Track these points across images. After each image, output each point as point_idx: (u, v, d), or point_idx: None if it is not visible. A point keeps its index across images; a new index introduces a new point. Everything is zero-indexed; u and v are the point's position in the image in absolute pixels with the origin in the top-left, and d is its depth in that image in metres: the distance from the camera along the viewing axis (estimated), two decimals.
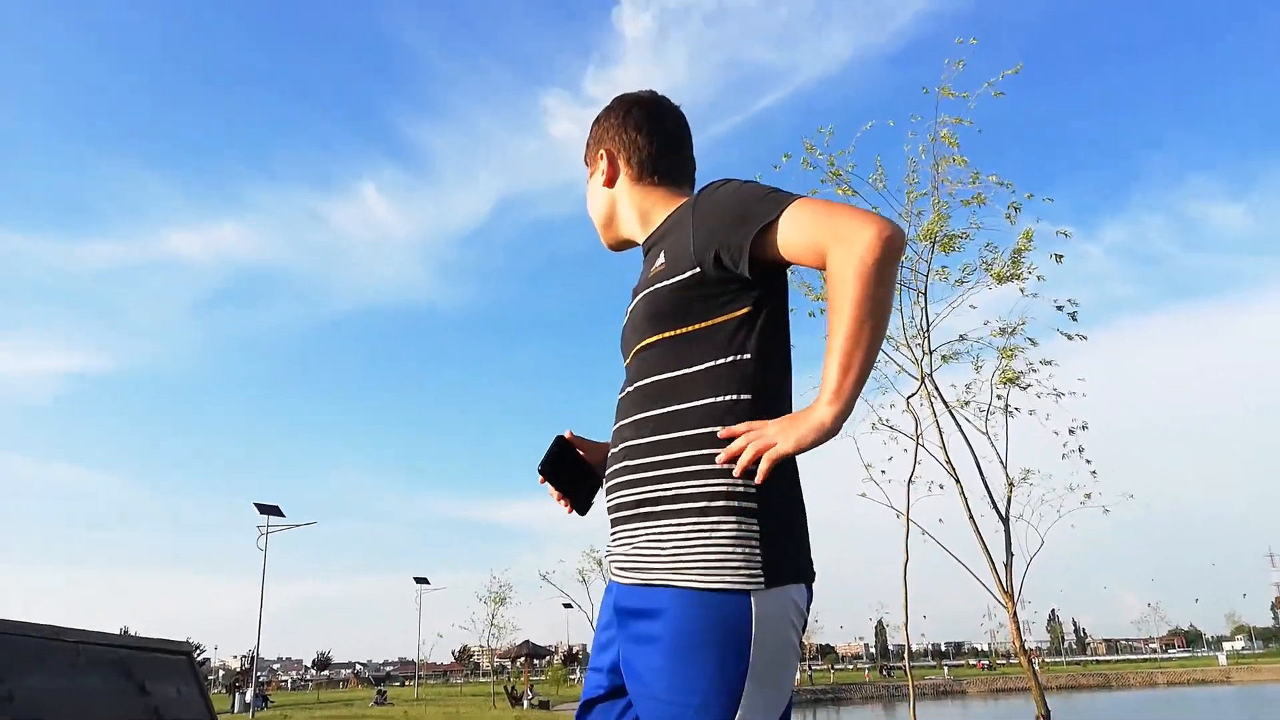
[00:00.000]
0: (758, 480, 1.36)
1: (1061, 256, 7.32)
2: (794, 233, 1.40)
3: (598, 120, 1.76)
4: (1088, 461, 7.52)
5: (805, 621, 1.41)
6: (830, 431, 1.35)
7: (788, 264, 1.47)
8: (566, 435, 1.72)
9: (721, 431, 1.41)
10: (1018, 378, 7.31)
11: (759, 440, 1.37)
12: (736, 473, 1.37)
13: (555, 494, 1.70)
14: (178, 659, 1.66)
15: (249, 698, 33.71)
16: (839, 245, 1.35)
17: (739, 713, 1.29)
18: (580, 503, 1.71)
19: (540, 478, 1.66)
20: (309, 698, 53.87)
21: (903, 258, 1.41)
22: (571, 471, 1.69)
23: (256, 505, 37.20)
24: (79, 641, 1.24)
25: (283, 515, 37.91)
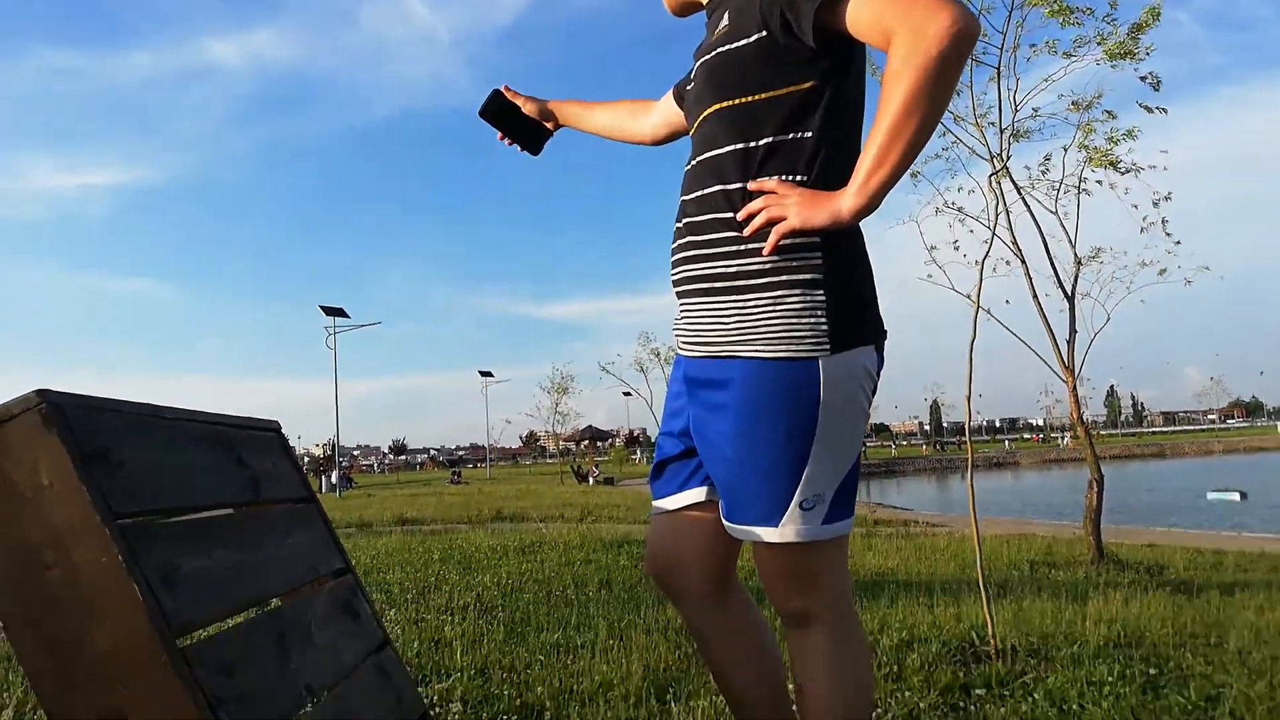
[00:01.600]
0: (765, 252, 1.37)
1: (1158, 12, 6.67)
2: (864, 6, 1.30)
3: None
4: (1169, 234, 7.27)
5: (875, 384, 1.45)
6: (844, 223, 1.34)
7: (854, 40, 1.38)
8: (502, 88, 1.89)
9: (752, 184, 1.40)
10: (1110, 155, 6.91)
11: (774, 208, 1.36)
12: (747, 232, 1.39)
13: (501, 136, 1.92)
14: (269, 435, 1.77)
15: (334, 479, 36.31)
16: (905, 29, 1.25)
17: (806, 471, 1.35)
18: (530, 144, 1.93)
19: (484, 122, 1.89)
20: (389, 479, 57.88)
21: (972, 52, 1.30)
22: (514, 119, 1.90)
23: (322, 308, 38.47)
24: (177, 419, 1.33)
25: (348, 316, 39.23)
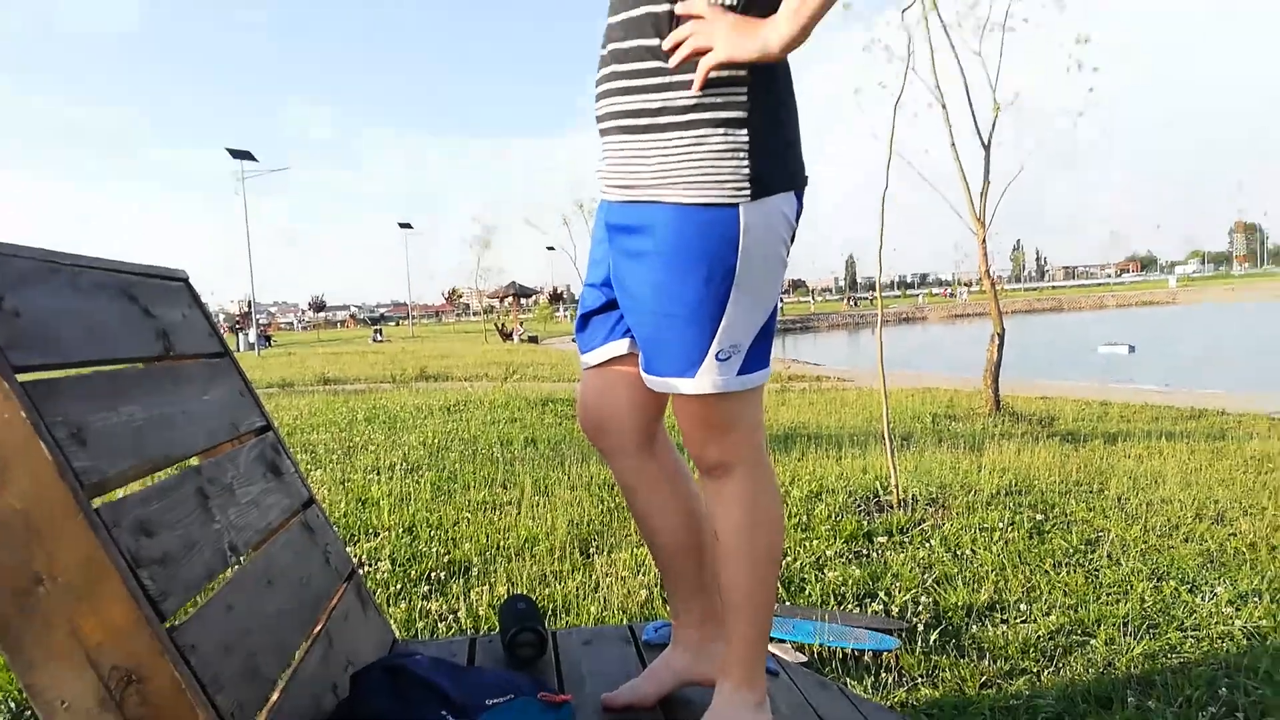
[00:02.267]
0: (695, 89, 1.30)
1: None
2: None
3: None
4: (1095, 69, 7.34)
5: (794, 231, 1.44)
6: (774, 56, 1.28)
7: None
8: None
9: (679, 7, 1.31)
10: None
11: (700, 38, 1.28)
12: (672, 63, 1.31)
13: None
14: (176, 285, 1.70)
15: (251, 338, 35.48)
16: None
17: (723, 320, 1.36)
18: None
19: None
20: (309, 337, 56.86)
21: None
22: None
23: (229, 150, 36.48)
24: (75, 265, 1.26)
25: (255, 160, 37.32)
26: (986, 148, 7.63)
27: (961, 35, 7.37)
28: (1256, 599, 2.88)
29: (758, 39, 1.27)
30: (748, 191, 1.33)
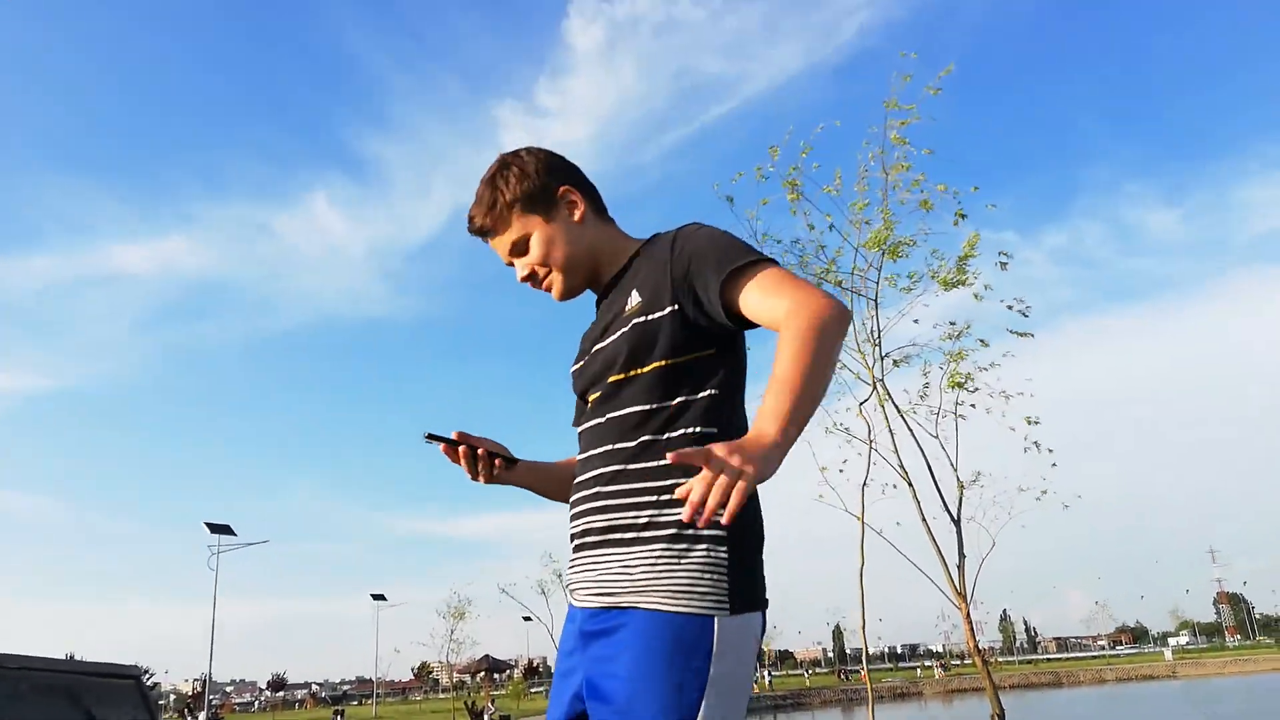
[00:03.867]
0: (725, 520, 1.20)
1: (1007, 262, 7.51)
2: (758, 292, 1.44)
3: (521, 171, 1.64)
4: (1050, 450, 7.70)
5: (759, 648, 1.47)
6: (778, 463, 1.25)
7: (745, 320, 1.48)
8: (454, 435, 1.69)
9: (671, 456, 1.24)
10: (965, 381, 7.49)
11: (727, 475, 1.19)
12: (706, 515, 1.20)
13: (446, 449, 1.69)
14: (126, 683, 1.63)
15: None
16: (798, 306, 1.37)
17: None
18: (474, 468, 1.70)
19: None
20: (263, 717, 52.68)
21: (847, 331, 1.45)
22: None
23: (207, 525, 36.52)
24: (21, 668, 1.21)
25: (234, 534, 37.28)
26: (957, 523, 7.82)
27: (917, 420, 7.88)
28: None
29: (772, 454, 1.24)
30: (726, 606, 1.37)
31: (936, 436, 8.02)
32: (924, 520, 7.66)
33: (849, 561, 4.97)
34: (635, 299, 1.57)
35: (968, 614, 7.62)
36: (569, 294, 1.69)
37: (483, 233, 1.68)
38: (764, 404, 1.30)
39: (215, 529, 36.41)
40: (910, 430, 7.83)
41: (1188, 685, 47.36)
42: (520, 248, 1.66)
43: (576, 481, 1.57)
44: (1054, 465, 7.73)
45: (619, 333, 1.56)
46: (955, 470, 7.98)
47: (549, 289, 1.68)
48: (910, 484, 7.56)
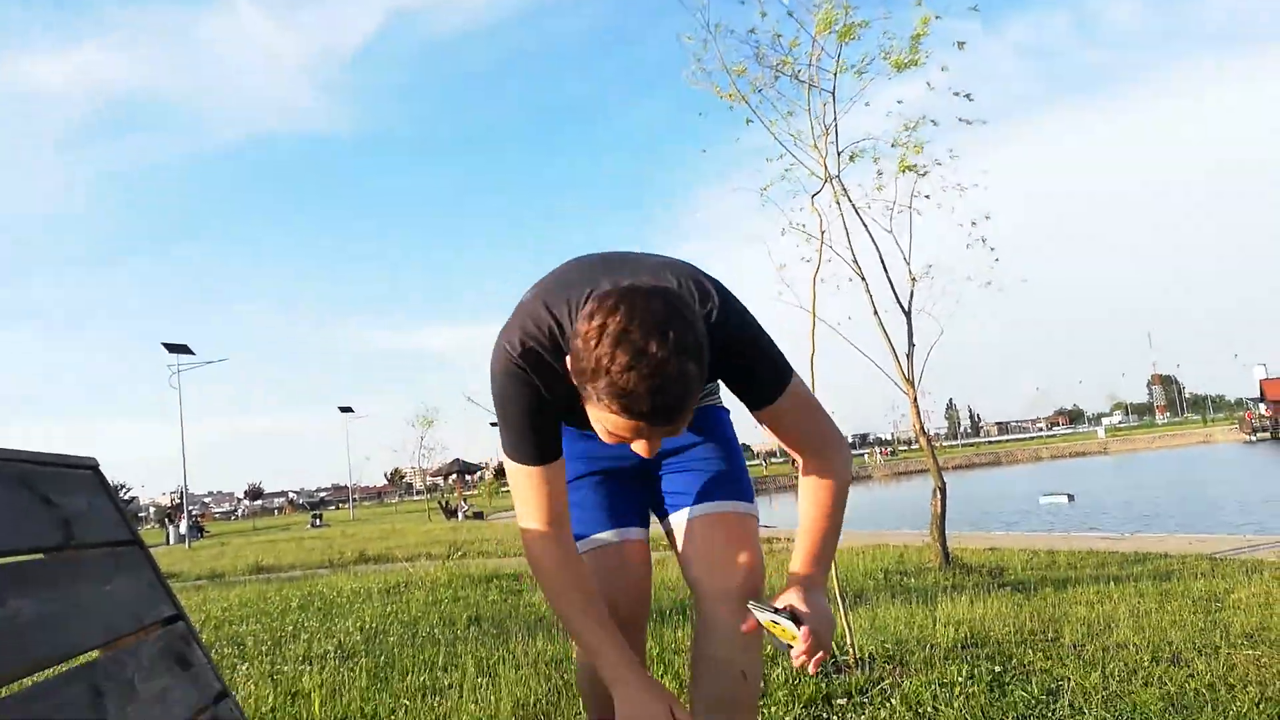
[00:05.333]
0: (812, 670, 1.55)
1: (964, 44, 7.25)
2: (788, 420, 1.65)
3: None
4: (991, 249, 7.81)
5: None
6: None
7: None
8: None
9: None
10: (915, 166, 7.44)
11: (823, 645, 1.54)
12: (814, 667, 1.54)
13: None
14: (82, 473, 1.64)
15: (183, 529, 34.07)
16: (832, 453, 1.67)
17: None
18: None
19: None
20: (244, 526, 54.84)
21: None
22: None
23: (165, 345, 36.27)
24: None
25: (192, 354, 37.13)
26: (907, 314, 7.99)
27: (872, 216, 7.86)
28: None
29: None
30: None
31: (890, 231, 8.06)
32: (875, 313, 7.81)
33: (805, 360, 5.14)
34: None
35: (914, 399, 7.96)
36: None
37: (669, 421, 1.35)
38: (816, 551, 1.69)
39: (173, 349, 36.21)
40: (864, 225, 7.84)
41: (1116, 459, 50.86)
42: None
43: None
44: (997, 260, 7.86)
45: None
46: (908, 264, 8.08)
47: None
48: (863, 278, 7.64)
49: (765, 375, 1.59)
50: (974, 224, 7.76)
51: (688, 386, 1.28)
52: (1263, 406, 67.41)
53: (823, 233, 5.28)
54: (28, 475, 1.41)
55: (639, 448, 1.38)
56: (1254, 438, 58.17)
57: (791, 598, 1.54)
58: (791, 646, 1.47)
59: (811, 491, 1.65)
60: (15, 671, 1.12)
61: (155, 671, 1.53)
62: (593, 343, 1.26)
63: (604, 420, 1.33)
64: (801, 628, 1.46)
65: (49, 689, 1.17)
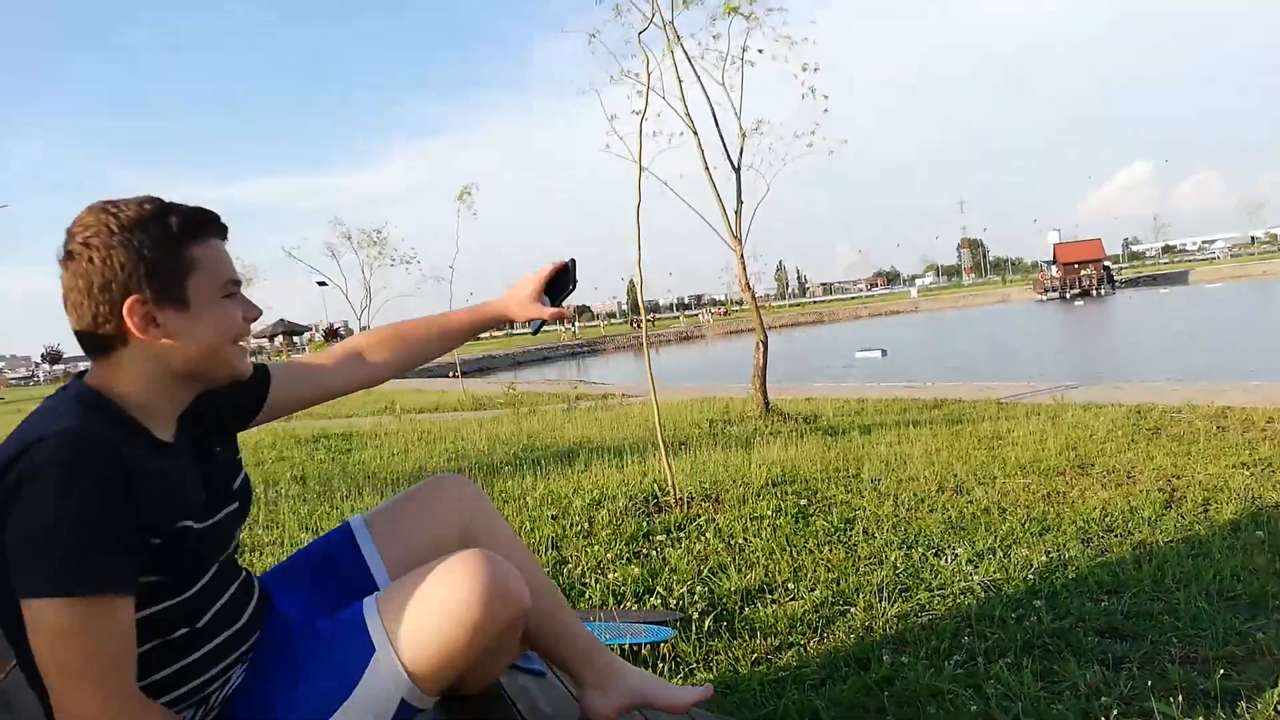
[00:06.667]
0: None
1: None
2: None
3: None
4: (825, 97, 7.94)
5: None
6: None
7: None
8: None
9: None
10: (740, 8, 7.40)
11: None
12: None
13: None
14: None
15: None
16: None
17: None
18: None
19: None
20: (44, 391, 50.80)
21: None
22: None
23: None
24: None
25: None
26: (737, 170, 8.09)
27: (704, 67, 7.78)
28: (991, 555, 3.17)
29: None
30: None
31: (723, 84, 8.03)
32: (706, 169, 7.86)
33: (632, 210, 5.12)
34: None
35: (740, 255, 8.17)
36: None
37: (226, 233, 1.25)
38: None
39: None
40: (697, 75, 7.77)
41: (926, 317, 54.82)
42: None
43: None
44: (825, 110, 8.02)
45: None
46: (739, 118, 8.12)
47: (245, 352, 1.27)
48: (695, 133, 7.62)
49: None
50: (804, 69, 7.82)
51: None
52: (1054, 269, 73.78)
53: (649, 75, 5.18)
54: None
55: (248, 305, 1.23)
56: (1044, 297, 63.95)
57: (516, 310, 1.60)
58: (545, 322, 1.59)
59: (384, 337, 1.60)
60: None
61: None
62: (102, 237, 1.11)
63: (215, 282, 1.18)
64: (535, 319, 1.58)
65: None
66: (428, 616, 1.25)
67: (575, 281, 1.59)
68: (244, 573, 1.33)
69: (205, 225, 1.19)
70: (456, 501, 1.57)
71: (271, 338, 46.45)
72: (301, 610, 1.43)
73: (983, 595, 2.79)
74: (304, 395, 1.48)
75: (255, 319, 1.24)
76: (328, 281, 27.83)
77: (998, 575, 2.95)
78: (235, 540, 1.29)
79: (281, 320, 45.68)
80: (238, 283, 1.22)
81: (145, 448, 1.13)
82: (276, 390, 1.43)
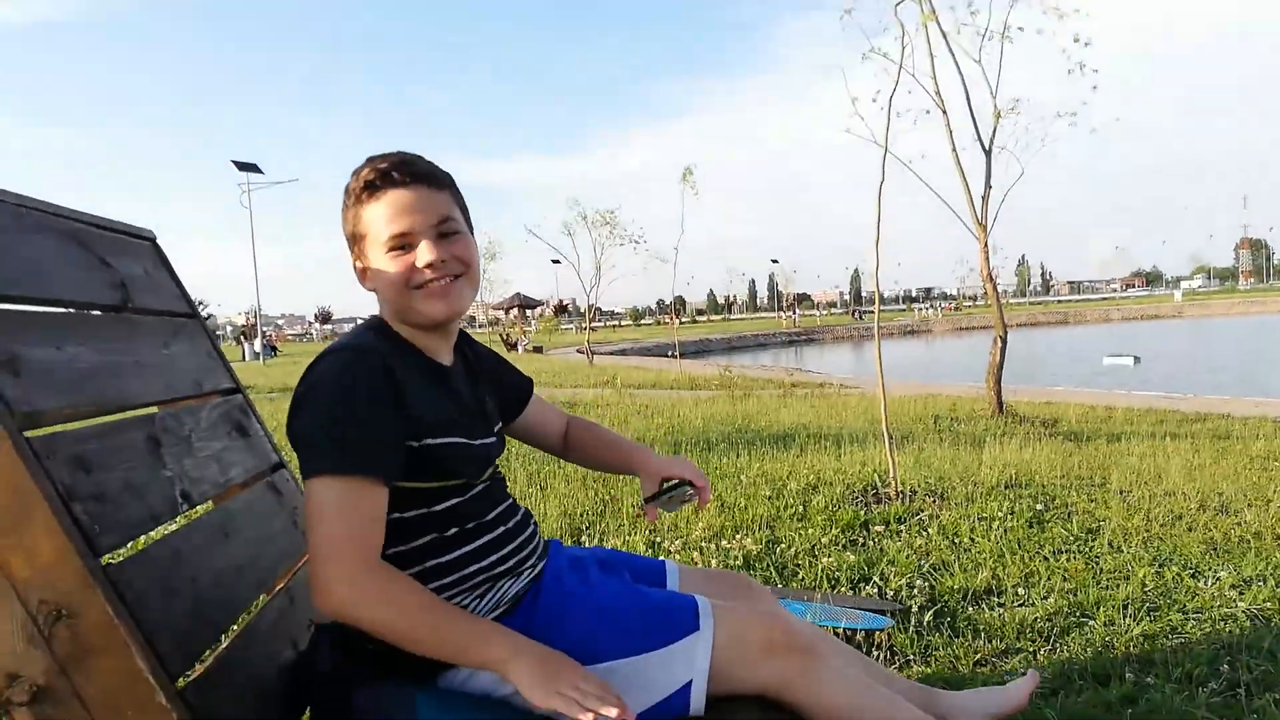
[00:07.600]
0: None
1: None
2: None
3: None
4: (1095, 71, 7.29)
5: None
6: None
7: None
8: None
9: None
10: None
11: None
12: None
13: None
14: (141, 242, 1.66)
15: (257, 348, 35.50)
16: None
17: None
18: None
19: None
20: (316, 347, 56.86)
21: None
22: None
23: (235, 163, 36.64)
24: (19, 204, 1.20)
25: (261, 173, 37.49)
26: (987, 152, 7.60)
27: (960, 43, 7.36)
28: (1261, 583, 2.81)
29: None
30: None
31: (979, 61, 7.56)
32: (954, 150, 7.47)
33: (870, 207, 4.87)
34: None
35: (985, 243, 7.68)
36: (455, 316, 1.35)
37: (422, 178, 1.30)
38: None
39: (243, 167, 36.61)
40: (952, 53, 7.37)
41: (1190, 324, 49.32)
42: (452, 226, 1.32)
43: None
44: (1095, 88, 7.35)
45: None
46: (994, 97, 7.62)
47: (443, 296, 1.30)
48: (944, 111, 7.26)
49: None
50: (1075, 42, 7.21)
51: (429, 161, 1.34)
52: None
53: (903, 49, 4.96)
54: (84, 235, 1.43)
55: (425, 252, 1.26)
56: None
57: (655, 470, 1.59)
58: (693, 496, 1.57)
59: (581, 431, 1.71)
60: (74, 411, 1.17)
61: (215, 434, 1.60)
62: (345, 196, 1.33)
63: (379, 239, 1.28)
64: (685, 484, 1.57)
65: (107, 430, 1.22)
66: (748, 649, 1.31)
67: (673, 503, 1.59)
68: (514, 502, 1.44)
69: (373, 182, 1.28)
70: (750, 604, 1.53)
71: (508, 310, 49.24)
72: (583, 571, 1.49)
73: (1248, 624, 2.48)
74: (531, 433, 1.69)
75: (432, 264, 1.28)
76: (562, 260, 29.12)
77: (1268, 605, 2.62)
78: (494, 465, 1.41)
79: (518, 294, 48.31)
80: (404, 234, 1.27)
81: (418, 366, 1.31)
82: (527, 414, 1.66)
